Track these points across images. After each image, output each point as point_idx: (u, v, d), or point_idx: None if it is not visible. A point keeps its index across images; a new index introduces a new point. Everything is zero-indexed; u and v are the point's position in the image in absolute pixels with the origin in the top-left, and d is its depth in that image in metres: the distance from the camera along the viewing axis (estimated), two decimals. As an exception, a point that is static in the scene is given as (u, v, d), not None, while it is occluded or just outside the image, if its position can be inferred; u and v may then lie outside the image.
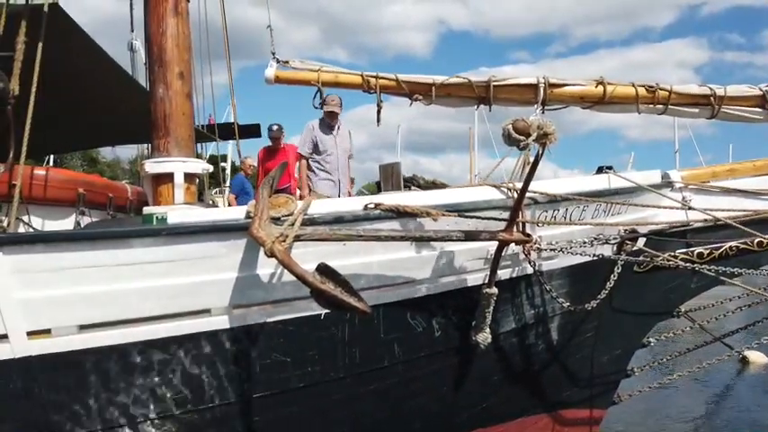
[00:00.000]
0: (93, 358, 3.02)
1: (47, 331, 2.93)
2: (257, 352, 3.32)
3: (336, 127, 6.18)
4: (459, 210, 3.65)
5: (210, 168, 5.68)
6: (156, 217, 3.29)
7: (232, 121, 8.62)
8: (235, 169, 14.27)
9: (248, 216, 3.22)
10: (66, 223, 4.35)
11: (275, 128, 7.56)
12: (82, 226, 4.20)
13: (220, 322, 3.21)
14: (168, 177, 4.72)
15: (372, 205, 3.49)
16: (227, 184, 10.74)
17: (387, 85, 5.74)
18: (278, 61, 5.83)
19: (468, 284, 3.81)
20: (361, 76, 5.74)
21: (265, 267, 3.26)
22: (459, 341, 3.85)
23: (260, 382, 3.35)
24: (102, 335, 3.02)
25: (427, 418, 4.02)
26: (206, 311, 3.19)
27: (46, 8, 3.65)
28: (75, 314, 2.97)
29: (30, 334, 2.91)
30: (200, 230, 3.13)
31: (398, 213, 3.50)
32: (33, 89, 3.36)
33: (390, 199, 3.59)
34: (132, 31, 7.44)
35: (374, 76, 5.69)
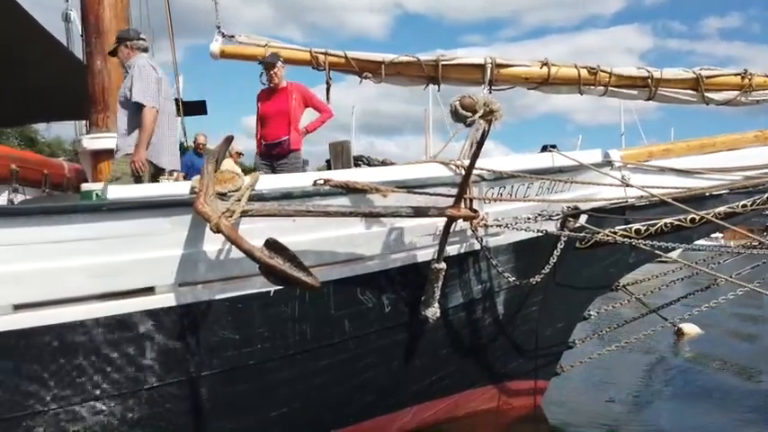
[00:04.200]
0: (30, 339, 2.89)
1: None
2: (205, 330, 3.26)
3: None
4: (408, 186, 3.67)
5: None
6: (96, 193, 3.17)
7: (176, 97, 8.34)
8: (184, 148, 13.72)
9: (192, 191, 3.14)
10: (-3, 201, 4.13)
11: (268, 56, 5.33)
12: (15, 203, 3.99)
13: (165, 300, 3.13)
14: (108, 153, 4.54)
15: (321, 181, 3.47)
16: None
17: (336, 62, 5.69)
18: (223, 35, 5.69)
19: (418, 260, 3.85)
20: (310, 52, 5.66)
21: (212, 244, 3.19)
22: (409, 316, 3.90)
23: (208, 361, 3.30)
24: (41, 314, 2.89)
25: (378, 392, 4.07)
26: (150, 290, 3.11)
27: None
28: (11, 293, 2.83)
29: None
30: (142, 206, 3.03)
31: (348, 189, 3.49)
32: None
33: (340, 175, 3.57)
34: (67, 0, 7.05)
35: (323, 53, 5.62)
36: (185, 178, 7.88)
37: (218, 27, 5.66)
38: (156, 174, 4.15)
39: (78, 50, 6.70)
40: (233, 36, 5.69)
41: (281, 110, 5.43)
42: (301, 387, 3.66)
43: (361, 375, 3.91)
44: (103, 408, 3.10)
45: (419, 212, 3.60)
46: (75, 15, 6.93)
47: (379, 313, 3.80)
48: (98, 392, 3.08)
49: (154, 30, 7.09)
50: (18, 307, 2.84)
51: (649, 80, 5.43)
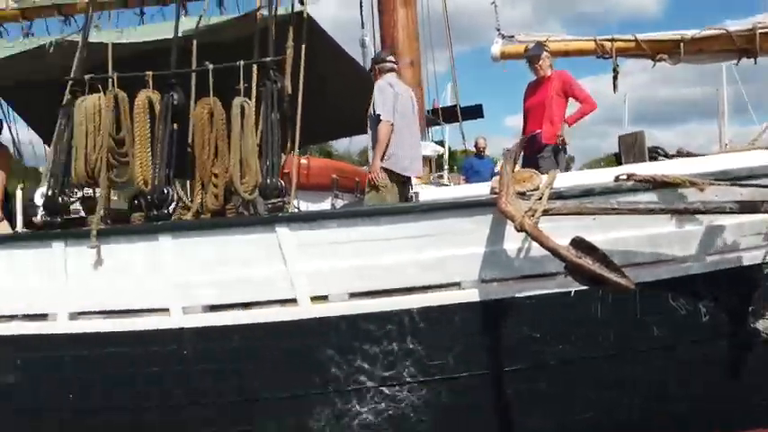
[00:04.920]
0: (359, 323, 3.35)
1: (324, 297, 3.35)
2: (506, 326, 3.34)
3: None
4: (731, 178, 3.20)
5: (441, 150, 5.87)
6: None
7: (450, 104, 8.80)
8: (451, 154, 14.39)
9: (493, 192, 3.25)
10: (323, 205, 4.89)
11: (531, 48, 5.11)
12: (336, 208, 4.69)
13: (470, 295, 3.31)
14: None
15: (625, 176, 3.24)
16: (446, 167, 10.88)
17: (624, 47, 5.28)
18: (503, 37, 5.77)
19: (744, 263, 3.33)
20: (594, 41, 5.37)
21: (511, 242, 3.25)
22: (733, 327, 3.39)
23: (509, 356, 3.38)
24: (368, 303, 3.33)
25: (692, 412, 3.61)
26: (456, 284, 3.32)
27: (306, 15, 4.10)
28: (346, 283, 3.33)
29: (312, 299, 3.35)
30: (450, 207, 3.25)
31: (656, 184, 3.20)
32: (300, 86, 3.82)
33: (645, 169, 3.29)
34: (363, 27, 7.99)
35: (609, 39, 5.28)
36: (467, 181, 8.26)
37: (498, 29, 5.76)
38: (399, 181, 4.33)
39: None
40: (512, 36, 5.73)
41: (539, 101, 5.16)
42: (601, 393, 3.47)
43: (673, 388, 3.52)
44: (412, 390, 3.41)
45: (748, 208, 3.10)
46: (369, 41, 7.82)
47: (695, 322, 3.38)
48: (408, 376, 3.40)
49: (433, 43, 7.58)
50: (352, 295, 3.33)
51: None
